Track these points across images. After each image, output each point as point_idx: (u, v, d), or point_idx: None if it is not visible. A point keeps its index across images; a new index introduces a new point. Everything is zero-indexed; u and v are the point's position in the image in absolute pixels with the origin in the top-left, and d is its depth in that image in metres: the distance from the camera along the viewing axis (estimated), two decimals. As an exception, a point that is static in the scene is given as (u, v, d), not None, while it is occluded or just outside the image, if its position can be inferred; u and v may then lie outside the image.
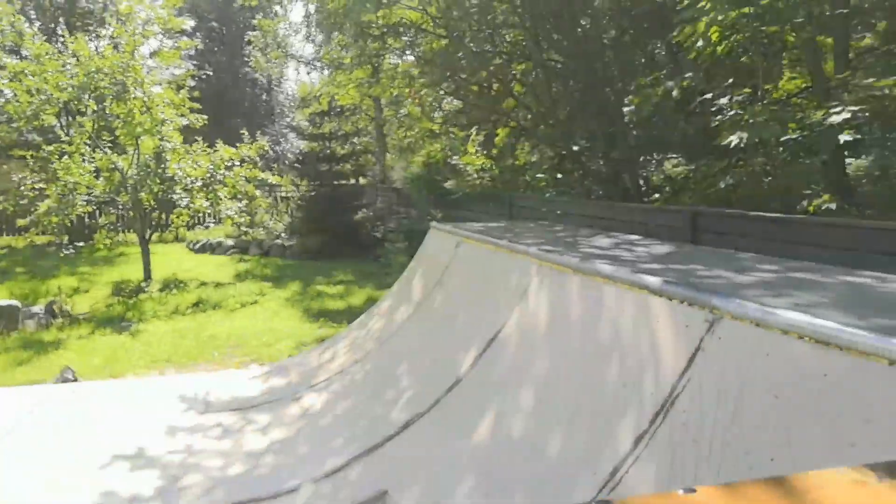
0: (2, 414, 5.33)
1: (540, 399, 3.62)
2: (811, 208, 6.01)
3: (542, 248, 4.74)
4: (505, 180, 10.86)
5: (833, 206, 5.88)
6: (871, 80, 5.77)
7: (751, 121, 5.58)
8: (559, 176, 10.64)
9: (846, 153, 7.52)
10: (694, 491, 0.85)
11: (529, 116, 10.65)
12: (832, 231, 4.65)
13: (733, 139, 5.62)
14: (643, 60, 10.41)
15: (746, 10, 5.66)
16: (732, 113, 6.22)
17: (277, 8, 26.19)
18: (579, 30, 9.42)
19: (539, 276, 4.45)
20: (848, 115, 5.59)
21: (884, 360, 2.27)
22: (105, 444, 4.67)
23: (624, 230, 6.49)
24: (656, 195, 9.26)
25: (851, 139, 5.98)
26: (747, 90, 6.32)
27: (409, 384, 4.81)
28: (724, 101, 6.44)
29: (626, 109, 9.71)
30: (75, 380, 6.34)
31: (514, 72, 10.98)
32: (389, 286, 8.08)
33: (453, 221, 11.10)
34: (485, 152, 11.59)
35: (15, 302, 8.84)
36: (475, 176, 11.07)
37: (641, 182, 10.07)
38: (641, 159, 9.98)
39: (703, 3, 5.58)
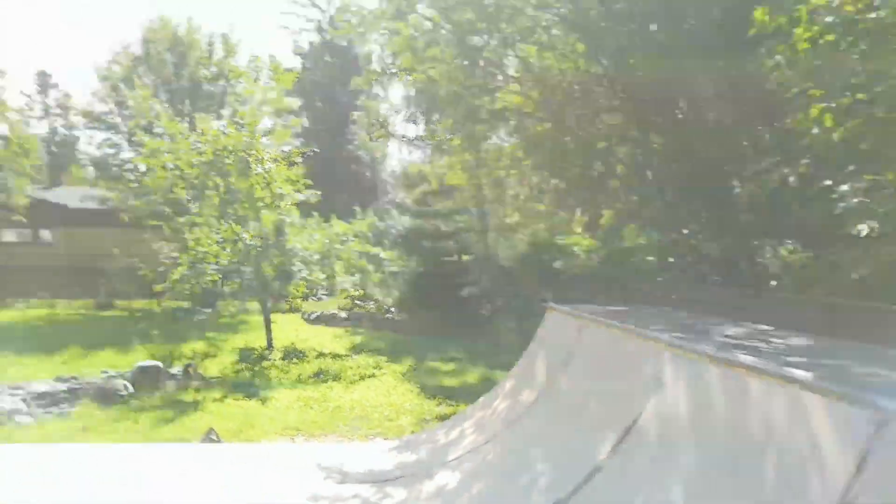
0: (154, 468, 5.81)
1: (691, 496, 3.63)
2: (959, 300, 5.77)
3: (673, 334, 4.81)
4: (613, 262, 10.92)
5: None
6: None
7: (881, 210, 5.48)
8: (671, 259, 10.61)
9: None
10: None
11: (634, 198, 10.75)
12: None
13: (862, 228, 5.53)
14: (748, 144, 10.38)
15: (861, 96, 5.64)
16: (857, 201, 6.11)
17: (377, 91, 27.86)
18: (679, 113, 9.57)
19: (673, 364, 4.51)
20: None
21: None
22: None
23: (747, 318, 6.42)
24: (773, 282, 9.06)
25: None
26: (869, 177, 6.23)
27: (543, 469, 4.89)
28: (845, 187, 6.35)
29: (737, 192, 9.67)
30: (219, 441, 6.80)
31: (617, 154, 11.17)
32: (502, 365, 8.24)
33: (564, 302, 11.23)
34: (591, 234, 11.72)
35: (157, 363, 9.60)
36: (583, 257, 11.19)
37: (760, 269, 9.88)
38: (762, 244, 9.81)
39: (813, 91, 5.62)
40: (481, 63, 10.89)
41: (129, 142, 21.88)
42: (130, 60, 23.47)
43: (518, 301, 12.69)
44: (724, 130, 10.25)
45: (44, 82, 39.79)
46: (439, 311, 14.87)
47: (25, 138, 21.65)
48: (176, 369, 9.97)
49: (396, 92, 26.93)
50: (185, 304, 12.08)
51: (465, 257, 18.13)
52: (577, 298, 11.12)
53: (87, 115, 24.88)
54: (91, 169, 28.89)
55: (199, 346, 12.58)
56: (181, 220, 13.01)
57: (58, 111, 39.56)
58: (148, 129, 16.99)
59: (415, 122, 26.77)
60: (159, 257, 12.67)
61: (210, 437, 6.78)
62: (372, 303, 16.52)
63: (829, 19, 5.37)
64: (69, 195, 24.62)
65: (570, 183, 12.63)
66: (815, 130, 6.44)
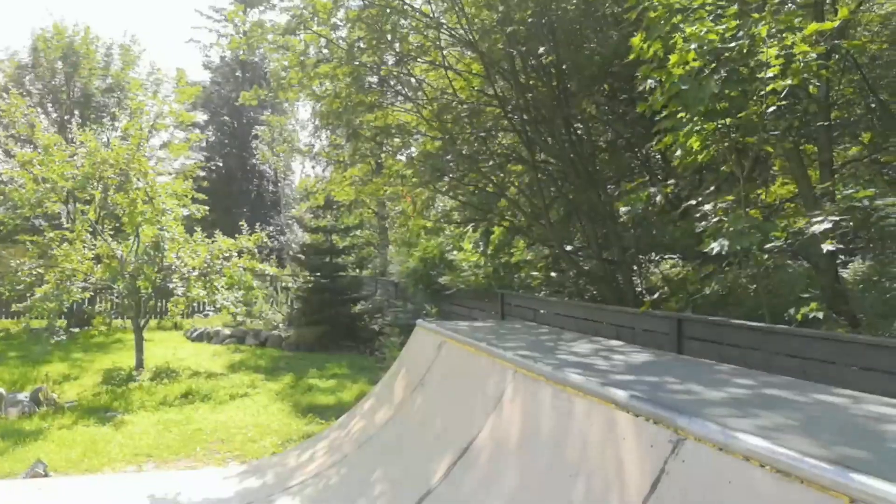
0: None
1: (507, 517, 3.49)
2: (799, 317, 5.95)
3: (519, 353, 4.71)
4: (499, 277, 10.90)
5: (821, 314, 5.81)
6: (851, 190, 5.85)
7: (731, 228, 5.63)
8: (553, 275, 10.70)
9: (839, 258, 7.54)
10: None
11: (523, 218, 10.82)
12: (813, 343, 4.60)
13: (715, 246, 5.65)
14: (638, 164, 10.66)
15: (725, 121, 5.83)
16: (716, 220, 6.29)
17: (285, 104, 27.42)
18: (572, 134, 9.71)
19: (514, 382, 4.40)
20: (829, 225, 5.62)
21: (844, 497, 2.20)
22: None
23: (610, 334, 6.45)
24: (655, 295, 9.25)
25: (835, 248, 6.02)
26: (730, 197, 6.42)
27: (381, 492, 4.66)
28: (707, 207, 6.53)
29: (622, 210, 9.89)
30: (46, 474, 6.17)
31: (506, 173, 11.24)
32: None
33: (447, 317, 11.12)
34: (480, 249, 11.70)
35: (-1, 389, 8.75)
36: (469, 272, 11.13)
37: (638, 281, 10.09)
38: (639, 259, 10.04)
39: (681, 115, 5.76)
40: (373, 80, 10.75)
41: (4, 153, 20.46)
42: (15, 68, 21.98)
43: (406, 315, 12.49)
44: (615, 149, 10.50)
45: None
46: (330, 326, 14.45)
47: None
48: (23, 395, 9.11)
49: (305, 108, 26.67)
50: (50, 323, 11.12)
51: (362, 272, 17.84)
52: (460, 313, 11.08)
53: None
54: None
55: (62, 367, 11.62)
56: (50, 234, 12.11)
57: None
58: (30, 142, 15.85)
59: (319, 139, 26.49)
60: (18, 275, 11.64)
61: (35, 469, 6.13)
62: (259, 319, 15.88)
63: (693, 46, 5.51)
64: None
65: (459, 201, 12.63)
66: (679, 153, 6.61)
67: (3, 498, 5.44)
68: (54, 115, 22.38)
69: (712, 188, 7.48)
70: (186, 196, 13.37)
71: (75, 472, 6.52)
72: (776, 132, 6.37)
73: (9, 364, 11.76)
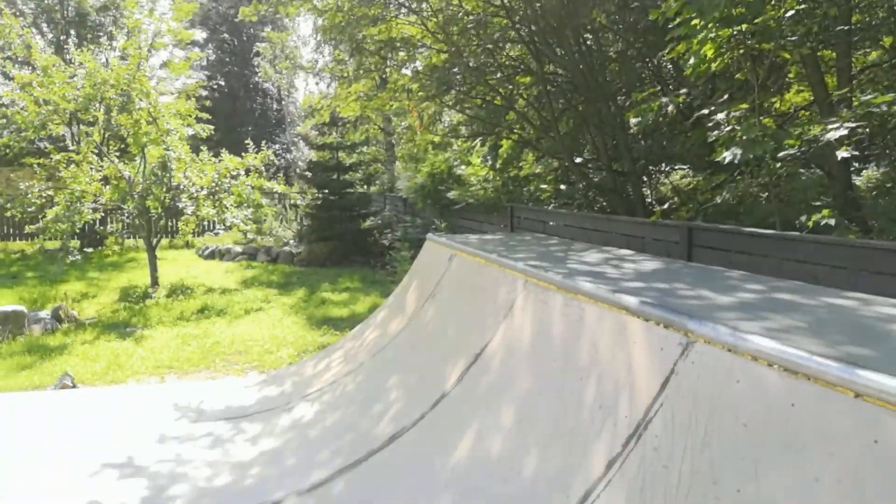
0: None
1: (520, 418, 3.63)
2: (810, 224, 5.94)
3: (529, 263, 4.75)
4: (508, 191, 10.86)
5: (832, 221, 5.80)
6: (870, 96, 5.70)
7: (744, 137, 5.54)
8: (562, 187, 10.65)
9: (853, 165, 7.44)
10: None
11: (531, 130, 10.66)
12: (823, 249, 4.61)
13: (727, 155, 5.58)
14: (649, 74, 10.39)
15: (740, 27, 5.63)
16: (729, 129, 6.19)
17: (286, 20, 26.62)
18: (582, 45, 9.42)
19: (525, 292, 4.46)
20: (845, 132, 5.52)
21: (850, 392, 2.26)
22: (95, 451, 4.73)
23: (620, 244, 6.48)
24: (665, 206, 9.23)
25: (849, 155, 5.94)
26: (744, 105, 6.28)
27: (396, 398, 4.83)
28: (720, 116, 6.40)
29: (632, 121, 9.71)
30: (74, 386, 6.42)
31: (515, 85, 10.99)
32: (392, 295, 8.06)
33: (456, 231, 11.17)
34: (488, 164, 11.61)
35: (21, 307, 8.95)
36: (478, 186, 11.09)
37: (648, 193, 10.04)
38: (650, 170, 9.95)
39: (695, 22, 5.56)
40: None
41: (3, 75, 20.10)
42: (6, -12, 21.22)
43: (415, 230, 12.55)
44: (626, 59, 10.20)
45: None
46: (340, 242, 14.58)
47: None
48: (44, 313, 9.34)
49: (307, 23, 25.95)
50: (64, 244, 11.26)
51: (371, 189, 17.81)
52: (469, 227, 11.12)
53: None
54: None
55: (79, 286, 11.87)
56: (57, 157, 12.08)
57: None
58: (27, 63, 15.51)
59: (322, 54, 25.78)
60: (29, 197, 11.69)
61: (64, 381, 6.37)
62: (270, 236, 16.02)
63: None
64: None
65: (466, 115, 12.43)
66: (693, 61, 6.42)
67: (36, 407, 5.68)
68: (50, 36, 21.83)
69: (725, 97, 7.31)
70: (190, 116, 13.21)
71: (101, 384, 6.77)
72: (794, 37, 6.16)
73: (28, 284, 12.02)
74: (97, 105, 11.72)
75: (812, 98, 8.18)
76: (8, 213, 12.24)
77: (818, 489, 2.19)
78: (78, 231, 12.11)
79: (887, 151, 7.59)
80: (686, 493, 2.59)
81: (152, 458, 4.64)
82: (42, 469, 4.49)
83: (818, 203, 6.51)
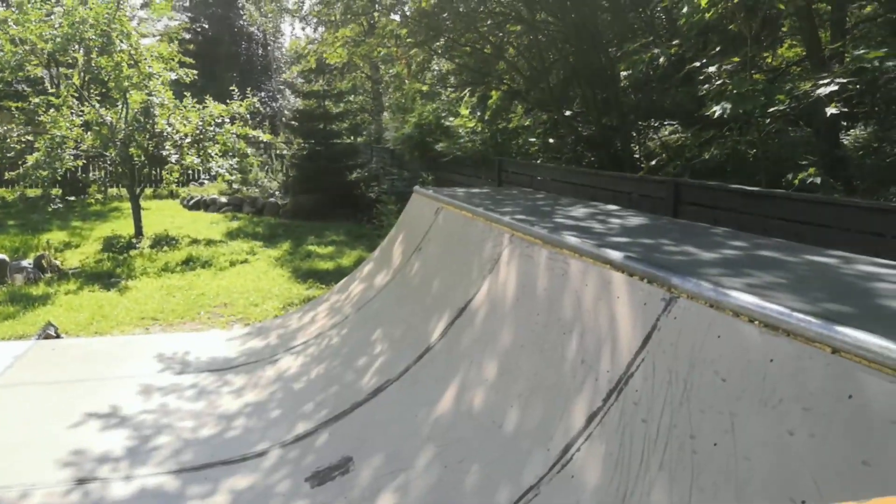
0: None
1: (502, 372, 3.66)
2: (795, 182, 5.95)
3: (516, 217, 4.73)
4: (496, 144, 10.75)
5: (818, 180, 5.81)
6: (862, 51, 5.63)
7: (734, 91, 5.48)
8: (551, 141, 10.55)
9: (841, 124, 7.41)
10: None
11: (521, 81, 10.49)
12: (808, 207, 4.61)
13: (717, 110, 5.54)
14: (642, 24, 10.20)
15: None
16: (720, 82, 6.12)
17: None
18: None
19: (511, 245, 4.45)
20: (836, 88, 5.48)
21: (827, 348, 2.28)
22: (80, 401, 4.74)
23: (607, 199, 6.46)
24: (653, 162, 9.19)
25: (838, 112, 5.90)
26: (736, 59, 6.20)
27: (381, 351, 4.85)
28: (712, 69, 6.32)
29: (623, 73, 9.58)
30: (58, 336, 6.39)
31: (505, 33, 10.77)
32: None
33: (443, 184, 11.08)
34: (477, 115, 11.46)
35: (3, 256, 8.85)
36: (466, 139, 10.96)
37: (636, 148, 9.99)
38: (639, 125, 9.86)
39: None
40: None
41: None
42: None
43: (402, 183, 12.44)
44: (618, 9, 9.99)
45: None
46: (326, 194, 14.46)
47: None
48: (27, 262, 9.24)
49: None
50: (45, 192, 11.06)
51: (357, 139, 17.57)
52: (456, 181, 11.04)
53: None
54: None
55: (61, 235, 11.74)
56: (35, 100, 11.72)
57: None
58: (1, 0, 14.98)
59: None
60: (7, 142, 11.41)
61: (48, 331, 6.34)
62: (255, 187, 15.86)
63: None
64: None
65: (456, 63, 12.20)
66: (686, 10, 6.30)
67: (18, 356, 5.66)
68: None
69: (718, 49, 7.21)
70: (173, 59, 12.83)
71: (85, 335, 6.75)
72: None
73: (9, 232, 11.86)
74: (76, 46, 11.34)
75: (804, 54, 8.09)
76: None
77: (792, 442, 2.22)
78: (59, 178, 11.90)
79: (876, 109, 7.55)
80: (664, 447, 2.63)
81: (136, 408, 4.66)
82: (24, 418, 4.50)
83: (805, 161, 6.51)
